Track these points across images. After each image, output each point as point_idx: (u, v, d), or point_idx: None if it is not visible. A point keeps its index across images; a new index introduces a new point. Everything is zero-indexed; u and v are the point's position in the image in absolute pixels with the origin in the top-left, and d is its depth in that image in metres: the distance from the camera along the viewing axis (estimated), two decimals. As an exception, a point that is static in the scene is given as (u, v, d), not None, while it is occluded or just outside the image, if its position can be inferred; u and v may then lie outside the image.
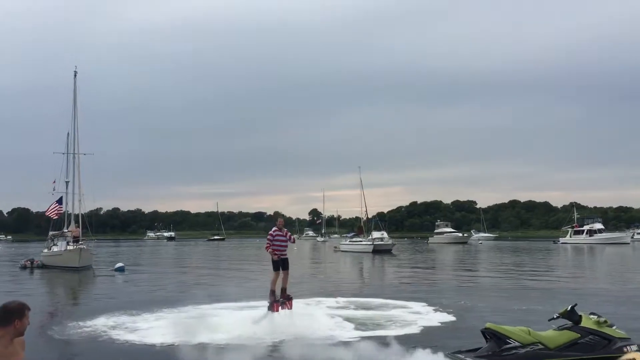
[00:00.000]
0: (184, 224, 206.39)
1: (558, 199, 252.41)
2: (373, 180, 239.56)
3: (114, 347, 11.57)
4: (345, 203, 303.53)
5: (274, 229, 13.37)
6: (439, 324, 13.75)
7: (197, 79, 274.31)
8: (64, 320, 14.88)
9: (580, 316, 8.85)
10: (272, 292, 13.03)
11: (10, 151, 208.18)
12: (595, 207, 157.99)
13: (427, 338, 11.82)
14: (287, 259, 13.23)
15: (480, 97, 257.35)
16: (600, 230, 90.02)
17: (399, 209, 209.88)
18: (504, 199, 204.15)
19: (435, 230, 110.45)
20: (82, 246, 37.85)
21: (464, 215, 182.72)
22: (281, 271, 13.11)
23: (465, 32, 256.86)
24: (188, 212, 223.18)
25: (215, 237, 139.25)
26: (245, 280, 27.36)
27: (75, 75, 42.08)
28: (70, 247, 38.17)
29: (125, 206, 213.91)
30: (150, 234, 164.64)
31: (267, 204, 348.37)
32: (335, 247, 73.89)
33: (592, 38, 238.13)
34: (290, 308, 13.13)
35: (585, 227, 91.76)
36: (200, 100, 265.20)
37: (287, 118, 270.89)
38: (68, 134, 42.34)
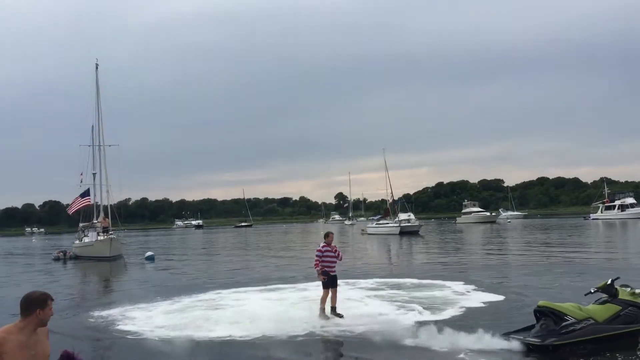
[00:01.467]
0: (211, 211, 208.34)
1: (588, 175, 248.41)
2: (398, 162, 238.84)
3: (118, 339, 11.26)
4: (371, 186, 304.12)
5: (322, 244, 12.44)
6: (482, 304, 13.39)
7: (223, 69, 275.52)
8: (80, 310, 14.94)
9: (617, 289, 9.11)
10: (322, 311, 12.16)
11: (40, 147, 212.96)
12: (626, 182, 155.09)
13: (475, 318, 11.51)
14: (336, 275, 12.41)
15: (507, 74, 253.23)
16: (632, 205, 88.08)
17: (425, 190, 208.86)
18: (532, 176, 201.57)
19: (463, 210, 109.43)
20: (112, 236, 38.40)
21: (491, 194, 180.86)
22: (330, 288, 12.26)
23: (493, 9, 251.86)
24: (215, 200, 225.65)
25: (243, 224, 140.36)
26: (276, 265, 27.47)
27: (96, 68, 42.44)
28: (100, 238, 38.75)
29: (153, 196, 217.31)
30: (179, 223, 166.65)
31: (292, 190, 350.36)
32: (363, 230, 73.73)
33: (625, 11, 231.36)
34: None
35: (617, 202, 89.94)
36: (225, 90, 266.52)
37: (311, 103, 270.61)
38: (93, 126, 42.88)
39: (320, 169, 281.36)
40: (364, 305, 13.62)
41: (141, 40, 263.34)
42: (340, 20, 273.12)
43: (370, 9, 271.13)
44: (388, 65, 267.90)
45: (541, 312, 8.90)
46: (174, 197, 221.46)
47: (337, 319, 11.78)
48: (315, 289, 17.01)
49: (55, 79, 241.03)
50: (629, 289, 9.20)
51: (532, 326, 9.22)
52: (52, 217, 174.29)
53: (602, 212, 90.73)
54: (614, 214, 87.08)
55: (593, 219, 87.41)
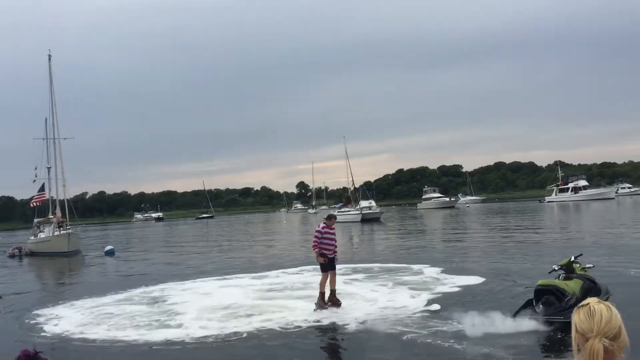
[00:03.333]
0: (172, 204, 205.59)
1: (543, 159, 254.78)
2: (359, 150, 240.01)
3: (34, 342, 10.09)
4: (332, 174, 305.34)
5: (322, 225, 11.72)
6: (459, 288, 13.24)
7: (180, 59, 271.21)
8: (18, 309, 14.08)
9: (572, 265, 9.77)
10: (322, 295, 11.40)
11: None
12: (579, 165, 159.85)
13: (469, 301, 11.31)
14: (334, 257, 11.71)
15: (465, 61, 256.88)
16: (584, 187, 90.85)
17: (386, 177, 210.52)
18: (490, 161, 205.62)
19: (423, 196, 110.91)
20: (69, 231, 37.54)
21: (450, 179, 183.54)
22: (329, 271, 11.52)
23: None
24: (175, 192, 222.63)
25: (204, 216, 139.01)
26: (237, 255, 27.34)
27: (49, 59, 41.16)
28: (57, 233, 37.82)
29: (111, 189, 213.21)
30: (138, 216, 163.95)
31: (253, 180, 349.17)
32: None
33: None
34: None
35: (570, 185, 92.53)
36: (182, 81, 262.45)
37: (271, 93, 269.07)
38: (46, 119, 41.66)
39: (281, 159, 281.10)
40: (348, 291, 13.48)
41: (97, 30, 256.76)
42: (298, 9, 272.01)
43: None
44: (348, 53, 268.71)
45: (544, 291, 9.19)
46: (133, 190, 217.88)
47: (335, 309, 11.21)
48: (278, 276, 17.09)
49: (6, 70, 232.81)
50: (578, 265, 9.87)
51: (527, 305, 9.46)
52: (6, 213, 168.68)
53: (556, 195, 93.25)
54: (568, 196, 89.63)
55: (548, 201, 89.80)
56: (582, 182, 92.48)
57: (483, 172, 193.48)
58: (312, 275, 16.20)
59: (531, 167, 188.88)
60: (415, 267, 17.35)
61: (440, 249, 24.29)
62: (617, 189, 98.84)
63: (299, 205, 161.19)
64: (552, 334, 8.65)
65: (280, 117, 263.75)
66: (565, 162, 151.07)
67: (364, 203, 70.00)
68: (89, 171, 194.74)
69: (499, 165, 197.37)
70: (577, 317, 1.96)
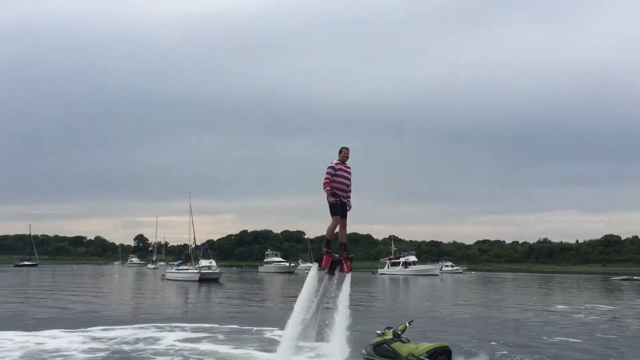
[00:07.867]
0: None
1: (380, 232, 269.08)
2: (205, 208, 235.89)
3: None
4: (174, 230, 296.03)
5: (335, 161, 10.32)
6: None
7: (15, 85, 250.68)
8: None
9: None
10: (327, 243, 10.08)
11: None
12: (411, 241, 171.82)
13: None
14: (346, 202, 10.29)
15: (316, 130, 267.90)
16: (414, 263, 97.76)
17: (229, 237, 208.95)
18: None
19: (265, 260, 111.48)
20: None
21: (292, 245, 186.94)
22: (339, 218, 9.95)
23: (314, 67, 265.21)
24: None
25: (26, 263, 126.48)
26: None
27: None
28: None
29: None
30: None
31: (87, 228, 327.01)
32: (163, 275, 71.32)
33: (425, 83, 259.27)
34: (348, 271, 10.14)
35: (401, 259, 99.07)
36: (12, 110, 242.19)
37: (112, 138, 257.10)
38: None
39: (120, 209, 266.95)
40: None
41: None
42: (161, 54, 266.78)
43: (193, 49, 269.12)
44: (203, 108, 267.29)
45: (442, 352, 10.09)
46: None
47: None
48: (105, 332, 16.03)
49: None
50: (392, 329, 11.11)
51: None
52: None
53: (388, 268, 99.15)
54: (399, 270, 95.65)
55: (380, 273, 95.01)
56: (412, 258, 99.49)
57: (323, 240, 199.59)
58: (170, 334, 15.74)
59: (369, 239, 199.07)
60: (264, 329, 17.35)
61: (279, 311, 24.50)
62: (442, 267, 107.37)
63: (135, 259, 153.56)
64: None
65: (125, 167, 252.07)
66: (399, 237, 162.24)
67: (203, 262, 68.61)
68: None
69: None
70: None
